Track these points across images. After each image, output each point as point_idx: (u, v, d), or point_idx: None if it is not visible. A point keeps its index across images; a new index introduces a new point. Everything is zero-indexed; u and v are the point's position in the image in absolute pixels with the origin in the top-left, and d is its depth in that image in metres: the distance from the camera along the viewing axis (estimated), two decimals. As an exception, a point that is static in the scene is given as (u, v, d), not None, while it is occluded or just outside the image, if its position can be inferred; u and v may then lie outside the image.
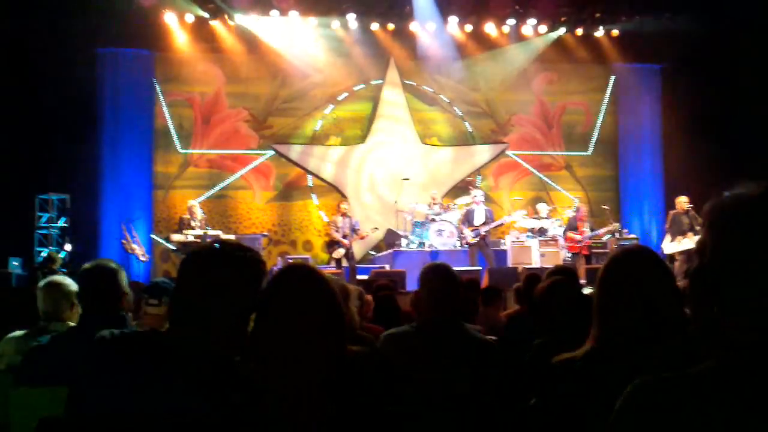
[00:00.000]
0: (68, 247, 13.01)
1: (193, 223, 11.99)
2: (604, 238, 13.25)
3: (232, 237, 11.91)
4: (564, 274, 4.07)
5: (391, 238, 14.04)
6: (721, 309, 1.31)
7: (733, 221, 1.29)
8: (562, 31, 15.76)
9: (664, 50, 14.93)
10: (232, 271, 2.03)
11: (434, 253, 12.53)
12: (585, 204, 13.89)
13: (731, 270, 1.27)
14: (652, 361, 1.94)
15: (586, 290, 4.01)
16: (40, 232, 13.37)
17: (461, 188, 15.15)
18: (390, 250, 13.65)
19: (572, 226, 13.03)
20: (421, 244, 13.14)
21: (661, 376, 1.30)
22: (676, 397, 1.26)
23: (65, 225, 13.44)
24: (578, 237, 12.74)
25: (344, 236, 12.56)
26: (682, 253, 11.99)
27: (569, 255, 12.94)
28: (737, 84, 13.00)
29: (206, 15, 14.37)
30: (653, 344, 2.06)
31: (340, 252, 12.54)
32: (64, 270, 10.50)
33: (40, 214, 13.38)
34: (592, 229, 13.08)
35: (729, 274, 1.28)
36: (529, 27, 15.67)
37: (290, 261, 11.63)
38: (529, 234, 13.47)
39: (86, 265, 3.44)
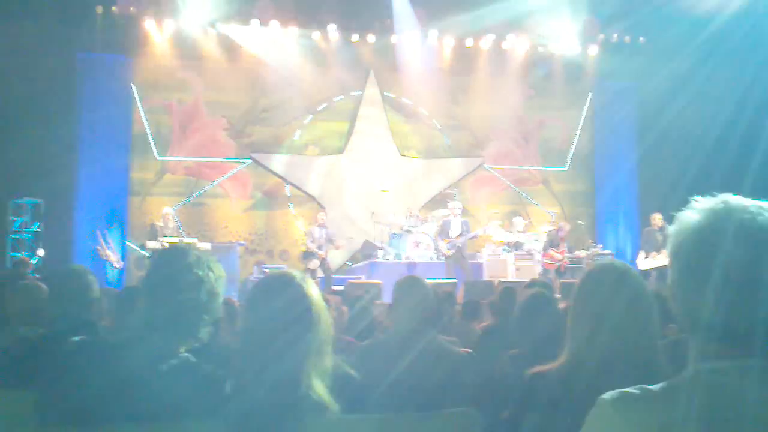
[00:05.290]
0: (41, 252, 12.86)
1: (165, 231, 11.90)
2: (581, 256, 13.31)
3: (207, 245, 11.83)
4: (541, 287, 4.08)
5: (367, 250, 14.01)
6: (680, 325, 1.36)
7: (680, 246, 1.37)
8: (540, 46, 15.88)
9: (641, 68, 15.07)
10: (191, 271, 2.06)
11: (411, 265, 12.52)
12: (566, 223, 13.78)
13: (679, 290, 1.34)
14: (624, 376, 1.95)
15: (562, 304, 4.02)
16: (13, 236, 13.20)
17: (439, 201, 15.17)
18: (366, 261, 13.63)
19: (554, 243, 12.92)
20: (398, 255, 13.14)
21: (627, 391, 1.31)
22: (641, 411, 1.27)
23: (39, 230, 13.28)
24: (559, 255, 12.72)
25: (319, 247, 12.54)
26: (655, 269, 12.11)
27: (542, 270, 12.88)
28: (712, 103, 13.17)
29: (186, 22, 14.29)
30: (626, 358, 2.07)
31: (315, 263, 12.50)
32: (36, 275, 10.36)
33: (13, 218, 13.21)
34: (570, 250, 13.06)
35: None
36: (508, 42, 15.78)
37: (271, 270, 11.59)
38: (506, 248, 13.51)
39: (57, 270, 3.42)
